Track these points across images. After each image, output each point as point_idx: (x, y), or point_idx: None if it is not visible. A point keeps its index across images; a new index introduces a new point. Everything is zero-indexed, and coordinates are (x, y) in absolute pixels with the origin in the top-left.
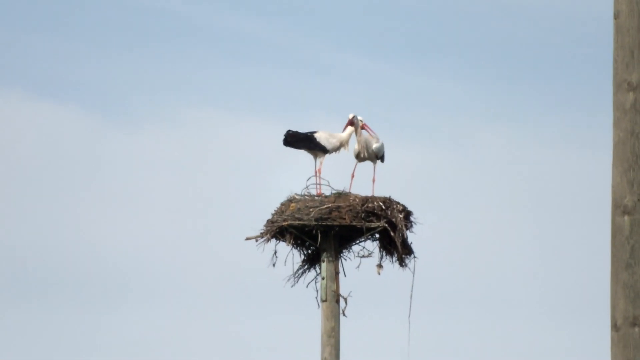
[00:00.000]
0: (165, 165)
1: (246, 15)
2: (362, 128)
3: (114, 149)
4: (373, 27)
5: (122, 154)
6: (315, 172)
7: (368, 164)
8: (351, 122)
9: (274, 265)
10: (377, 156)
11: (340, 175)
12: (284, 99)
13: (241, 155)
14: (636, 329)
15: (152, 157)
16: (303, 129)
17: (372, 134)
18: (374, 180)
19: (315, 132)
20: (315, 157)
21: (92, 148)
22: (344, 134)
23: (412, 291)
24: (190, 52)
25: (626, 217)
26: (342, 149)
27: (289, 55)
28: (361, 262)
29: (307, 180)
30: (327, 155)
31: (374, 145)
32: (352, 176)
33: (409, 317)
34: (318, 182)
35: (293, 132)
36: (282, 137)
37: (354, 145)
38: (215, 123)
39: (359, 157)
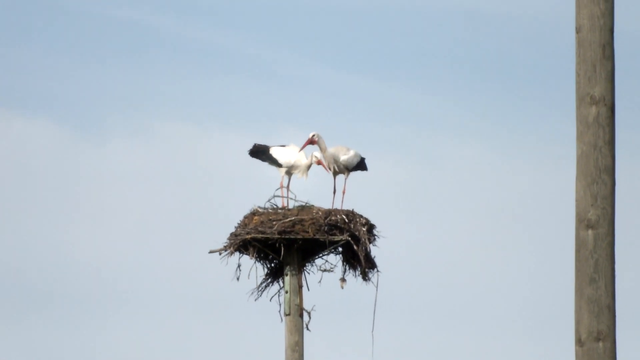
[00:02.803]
0: (133, 178)
1: (217, 27)
2: (318, 163)
3: (83, 162)
4: (346, 40)
5: (91, 167)
6: (280, 185)
7: (355, 174)
8: (311, 141)
9: (237, 278)
10: (349, 168)
11: (311, 188)
12: (254, 112)
13: (207, 168)
14: (600, 344)
15: (121, 170)
16: (273, 143)
17: (325, 168)
18: (343, 192)
19: (283, 145)
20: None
21: (62, 161)
22: (304, 161)
23: (375, 305)
24: (160, 65)
25: (590, 231)
26: (297, 173)
27: (260, 68)
28: (324, 276)
29: (275, 191)
30: (288, 171)
31: (342, 157)
32: (334, 192)
33: (372, 331)
34: (281, 194)
35: (258, 144)
36: (249, 148)
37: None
38: (184, 136)
39: (333, 171)
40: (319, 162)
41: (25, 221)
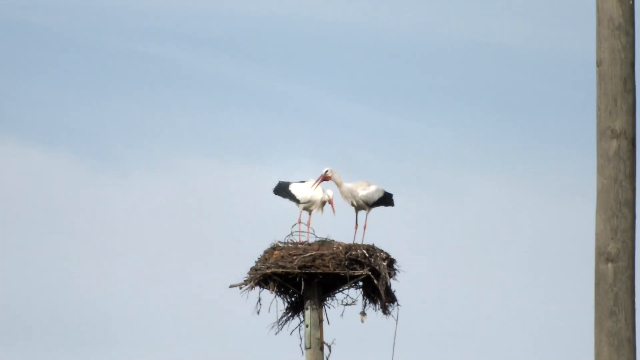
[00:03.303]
0: (153, 211)
1: (239, 62)
2: (329, 202)
3: (103, 195)
4: (365, 74)
5: (111, 200)
6: (298, 220)
7: (377, 209)
8: (324, 177)
9: (258, 312)
10: (369, 203)
11: (333, 223)
12: (275, 146)
13: (228, 202)
14: None
15: (141, 203)
16: (293, 177)
17: (333, 209)
18: (364, 227)
19: (302, 181)
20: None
21: (82, 194)
22: (318, 197)
23: (395, 339)
24: (179, 98)
25: (610, 265)
26: (314, 209)
27: (280, 102)
28: (345, 310)
29: (292, 227)
30: (305, 207)
31: (361, 193)
32: (356, 226)
33: None
34: (299, 230)
35: (282, 181)
36: (274, 186)
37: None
38: (204, 170)
39: (354, 206)
40: (329, 201)
41: (45, 253)
